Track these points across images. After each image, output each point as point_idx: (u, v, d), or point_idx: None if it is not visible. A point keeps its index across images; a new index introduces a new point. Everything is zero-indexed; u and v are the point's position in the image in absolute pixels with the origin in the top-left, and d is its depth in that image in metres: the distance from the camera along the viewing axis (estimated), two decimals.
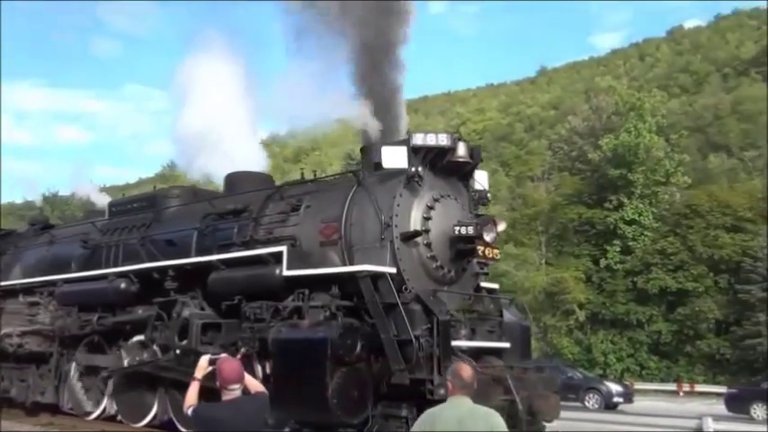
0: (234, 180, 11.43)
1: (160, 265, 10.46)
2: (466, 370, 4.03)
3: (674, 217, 37.44)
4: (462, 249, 8.63)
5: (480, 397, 6.82)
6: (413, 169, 8.34)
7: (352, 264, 8.53)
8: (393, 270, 8.03)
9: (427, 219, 8.56)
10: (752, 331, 31.70)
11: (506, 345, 8.74)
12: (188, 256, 10.48)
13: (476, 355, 8.37)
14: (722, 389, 25.73)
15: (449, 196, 8.89)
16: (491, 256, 8.72)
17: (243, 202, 10.13)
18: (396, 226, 8.30)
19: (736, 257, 33.96)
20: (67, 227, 14.15)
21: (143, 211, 11.94)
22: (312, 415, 7.99)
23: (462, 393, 3.94)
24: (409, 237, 8.32)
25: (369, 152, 9.29)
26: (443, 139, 8.64)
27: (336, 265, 8.68)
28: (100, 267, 11.91)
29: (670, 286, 34.95)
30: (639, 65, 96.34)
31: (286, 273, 8.65)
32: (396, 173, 8.62)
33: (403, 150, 8.47)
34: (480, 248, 8.50)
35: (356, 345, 8.04)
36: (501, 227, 8.78)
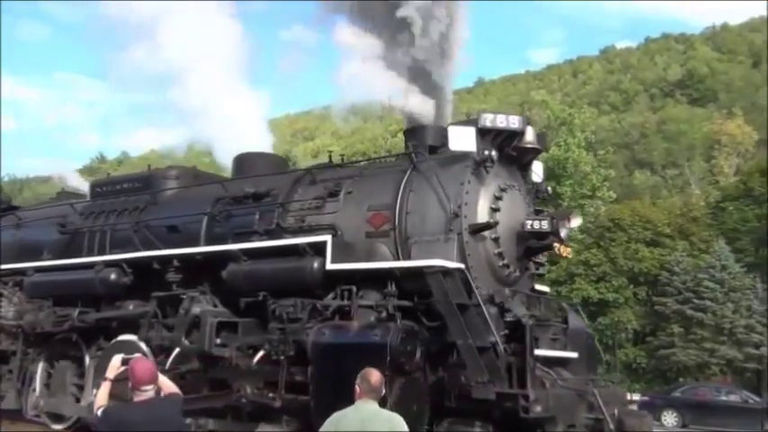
0: (246, 161, 10.14)
1: (164, 254, 9.09)
2: (374, 375, 4.27)
3: (598, 230, 38.29)
4: (534, 247, 7.67)
5: (564, 414, 5.92)
6: (485, 152, 7.34)
7: (405, 258, 7.47)
8: (462, 266, 7.01)
9: (495, 210, 7.58)
10: (666, 342, 32.71)
11: (574, 354, 7.83)
12: (195, 244, 9.17)
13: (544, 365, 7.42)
14: (637, 396, 26.27)
15: (513, 186, 7.93)
16: (564, 254, 7.80)
17: (265, 186, 8.89)
18: (465, 216, 7.28)
19: (655, 270, 35.02)
20: (37, 209, 12.47)
21: (135, 193, 10.49)
22: None
23: (369, 397, 4.17)
24: (480, 229, 7.31)
25: (420, 133, 8.26)
26: (515, 122, 7.68)
27: (387, 259, 7.59)
28: (80, 255, 10.41)
29: (592, 296, 35.67)
30: (573, 81, 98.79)
31: (330, 266, 7.49)
32: (460, 157, 7.62)
33: (472, 132, 7.47)
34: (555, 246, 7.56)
35: (416, 351, 6.98)
36: (576, 222, 7.87)
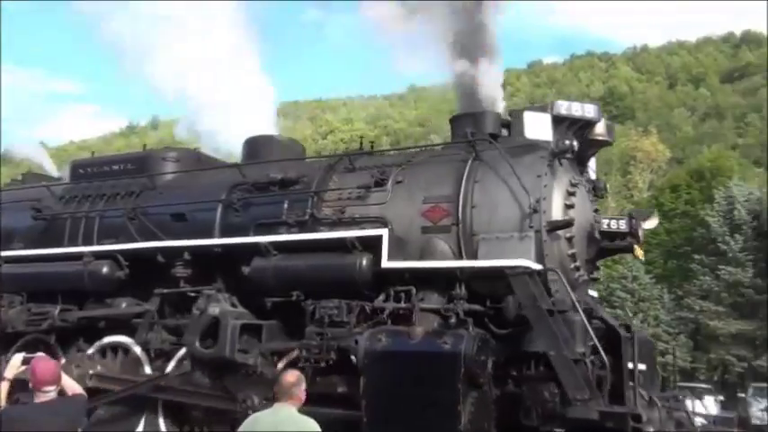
0: (260, 145, 9.07)
1: (174, 246, 7.96)
2: (288, 377, 4.25)
3: None
4: (609, 248, 6.99)
5: None
6: (566, 143, 6.62)
7: (470, 257, 6.66)
8: (540, 267, 6.27)
9: (569, 207, 6.86)
10: None
11: (643, 366, 7.20)
12: (208, 235, 8.08)
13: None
14: None
15: (581, 182, 7.25)
16: (639, 256, 7.17)
17: (293, 172, 7.90)
18: (544, 212, 6.54)
19: None
20: (3, 191, 10.94)
21: (127, 176, 9.25)
22: None
23: (284, 400, 4.14)
24: (559, 227, 6.57)
25: (479, 120, 7.48)
26: (590, 111, 7.03)
27: (447, 257, 6.76)
28: (59, 244, 9.10)
29: None
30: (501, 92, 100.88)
31: (389, 264, 6.60)
32: (529, 146, 6.89)
33: (547, 119, 6.77)
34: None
35: (487, 362, 6.21)
36: (653, 223, 7.25)
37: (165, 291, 8.10)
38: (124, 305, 8.58)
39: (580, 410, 5.61)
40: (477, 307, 6.35)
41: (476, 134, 7.29)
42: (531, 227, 6.42)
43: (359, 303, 6.78)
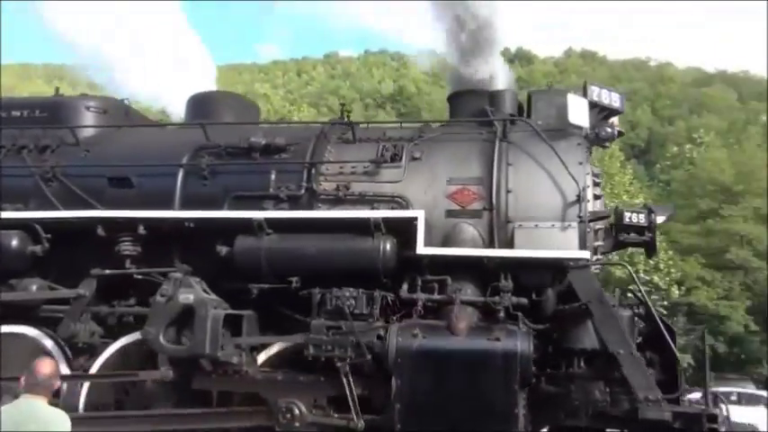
0: (210, 104, 7.69)
1: (126, 216, 6.39)
2: (45, 366, 3.90)
3: None
4: (628, 241, 6.78)
5: None
6: (609, 130, 6.31)
7: (504, 245, 6.11)
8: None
9: (597, 197, 6.58)
10: None
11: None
12: (164, 206, 6.64)
13: None
14: None
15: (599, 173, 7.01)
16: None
17: (282, 138, 6.73)
18: (588, 200, 6.17)
19: None
20: None
21: (36, 126, 7.34)
22: None
23: (34, 392, 3.79)
24: (601, 218, 6.27)
25: (498, 99, 6.94)
26: (616, 100, 6.78)
27: (476, 244, 6.15)
28: None
29: None
30: (297, 80, 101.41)
31: (426, 251, 5.82)
32: (562, 132, 6.49)
33: (585, 104, 6.42)
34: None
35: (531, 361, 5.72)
36: (663, 218, 7.17)
37: (109, 272, 6.50)
38: (35, 288, 6.79)
39: (652, 411, 5.32)
40: (524, 300, 5.81)
41: (495, 113, 6.75)
42: (579, 217, 6.02)
43: (381, 294, 5.91)
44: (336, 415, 5.72)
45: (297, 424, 5.65)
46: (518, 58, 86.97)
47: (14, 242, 6.54)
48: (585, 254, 5.71)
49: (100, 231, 6.46)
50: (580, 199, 6.06)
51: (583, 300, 5.59)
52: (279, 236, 6.17)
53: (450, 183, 6.35)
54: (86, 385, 6.40)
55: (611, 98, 6.74)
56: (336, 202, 6.44)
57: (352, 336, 5.75)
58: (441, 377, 5.52)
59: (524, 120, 6.59)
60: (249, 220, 6.13)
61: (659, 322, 5.90)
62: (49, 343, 6.69)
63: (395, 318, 5.85)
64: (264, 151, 6.67)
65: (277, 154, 6.69)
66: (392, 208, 6.28)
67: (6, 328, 6.72)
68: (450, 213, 6.28)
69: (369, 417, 5.69)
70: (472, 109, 7.08)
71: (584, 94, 6.53)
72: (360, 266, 5.94)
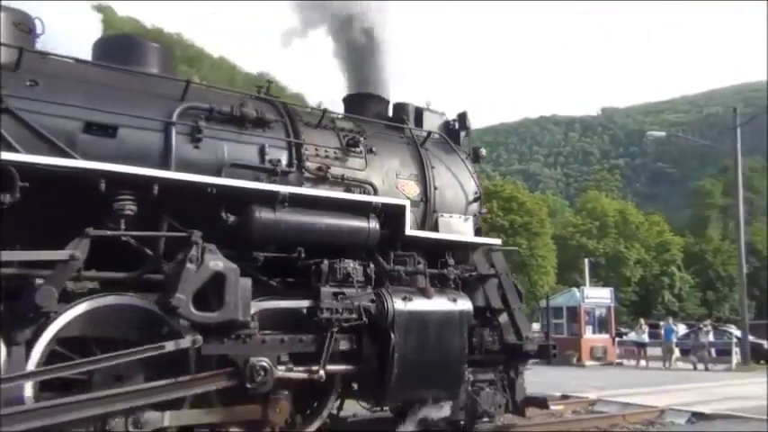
0: (125, 50, 6.93)
1: (147, 175, 5.76)
2: None
3: None
4: None
5: None
6: (482, 151, 8.84)
7: (431, 230, 8.01)
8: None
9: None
10: None
11: None
12: (155, 167, 6.14)
13: None
14: None
15: None
16: None
17: (271, 113, 6.97)
18: (477, 200, 8.53)
19: None
20: None
21: None
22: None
23: None
24: (483, 214, 8.70)
25: (406, 110, 8.61)
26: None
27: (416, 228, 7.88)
28: None
29: None
30: None
31: (414, 233, 7.31)
32: (458, 147, 8.69)
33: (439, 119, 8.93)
34: None
35: None
36: None
37: (110, 232, 5.72)
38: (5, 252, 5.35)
39: (530, 344, 8.06)
40: (465, 274, 7.86)
41: (407, 122, 8.48)
42: (482, 213, 8.39)
43: (369, 265, 7.09)
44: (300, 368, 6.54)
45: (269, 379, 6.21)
46: None
47: None
48: (498, 241, 8.16)
49: (102, 186, 5.65)
50: (477, 198, 8.45)
51: (499, 272, 8.03)
52: (292, 209, 6.64)
53: (399, 176, 7.86)
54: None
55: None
56: (318, 181, 7.18)
57: (356, 300, 6.84)
58: (424, 331, 7.14)
59: (440, 134, 8.55)
60: (276, 193, 6.45)
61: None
62: None
63: (386, 286, 7.13)
64: (257, 123, 6.86)
65: (264, 126, 6.94)
66: (363, 192, 7.42)
67: None
68: None
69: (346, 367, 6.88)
70: (374, 112, 8.52)
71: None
72: (354, 242, 7.01)
